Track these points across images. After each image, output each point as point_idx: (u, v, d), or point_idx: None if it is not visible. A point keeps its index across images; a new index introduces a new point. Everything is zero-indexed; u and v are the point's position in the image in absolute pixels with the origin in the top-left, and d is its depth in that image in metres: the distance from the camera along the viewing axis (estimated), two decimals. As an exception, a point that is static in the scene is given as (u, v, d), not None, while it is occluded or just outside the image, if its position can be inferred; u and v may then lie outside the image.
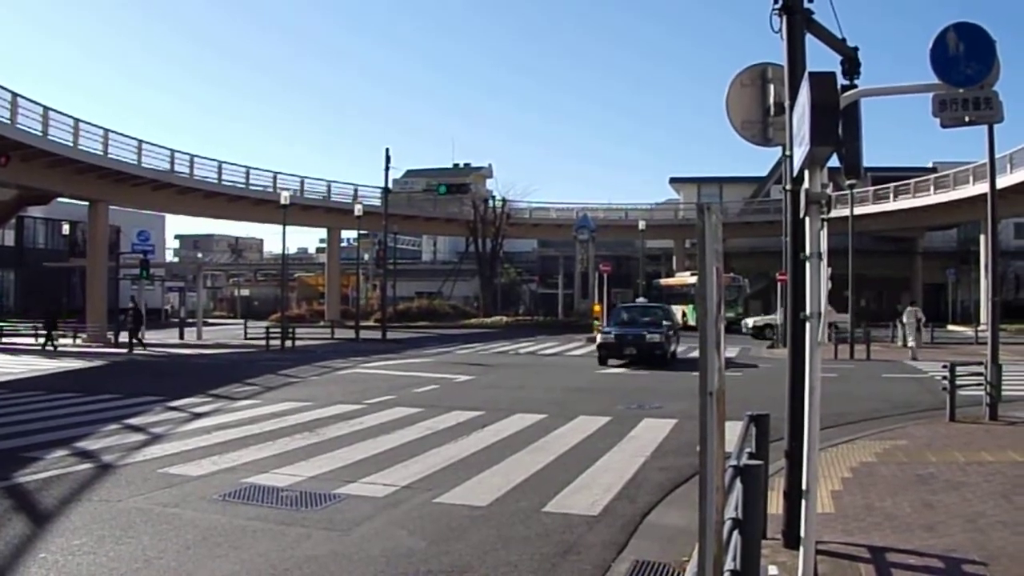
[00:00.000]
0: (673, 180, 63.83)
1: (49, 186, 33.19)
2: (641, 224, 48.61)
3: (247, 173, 43.48)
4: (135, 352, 28.53)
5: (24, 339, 34.14)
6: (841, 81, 5.29)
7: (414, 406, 13.46)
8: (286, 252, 41.27)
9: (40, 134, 29.65)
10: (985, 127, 12.20)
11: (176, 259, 77.81)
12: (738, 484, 3.78)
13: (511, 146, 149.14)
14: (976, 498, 7.06)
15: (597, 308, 31.13)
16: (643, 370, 20.25)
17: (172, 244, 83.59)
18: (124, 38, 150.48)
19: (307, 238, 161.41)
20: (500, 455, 9.33)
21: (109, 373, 21.38)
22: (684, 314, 39.05)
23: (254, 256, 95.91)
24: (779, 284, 29.15)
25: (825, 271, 4.35)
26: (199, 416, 12.59)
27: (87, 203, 35.92)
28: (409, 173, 62.55)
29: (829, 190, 4.34)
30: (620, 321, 24.35)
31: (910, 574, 5.24)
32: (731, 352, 24.20)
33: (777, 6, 5.80)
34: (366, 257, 53.51)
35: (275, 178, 44.68)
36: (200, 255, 73.13)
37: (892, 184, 45.76)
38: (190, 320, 40.03)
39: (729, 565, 3.40)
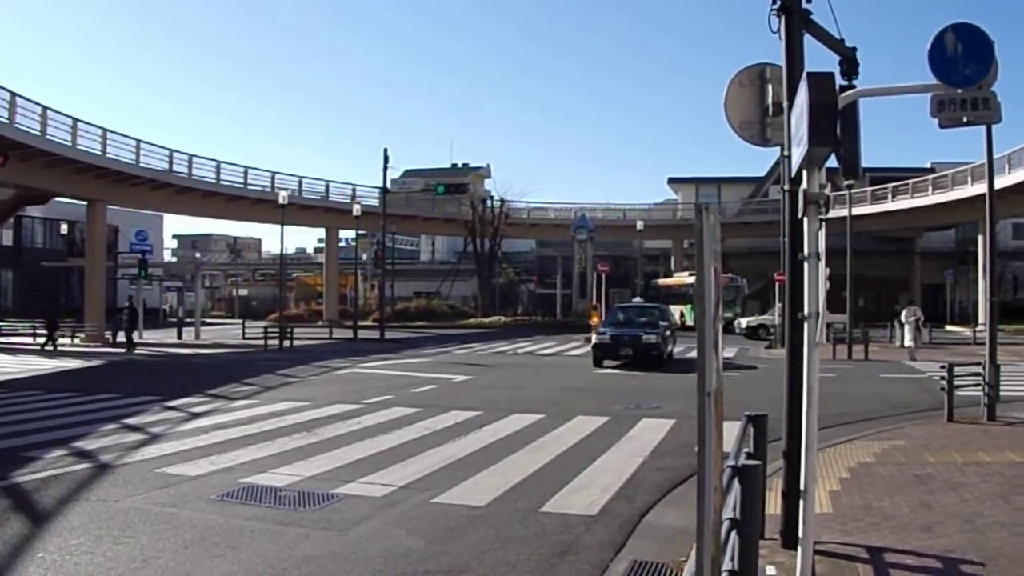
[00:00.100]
0: (671, 180, 63.85)
1: (47, 186, 33.14)
2: (639, 224, 48.62)
3: (245, 173, 43.46)
4: (135, 351, 28.48)
5: (22, 339, 34.12)
6: (839, 81, 5.30)
7: (412, 406, 13.46)
8: (284, 252, 41.29)
9: (38, 134, 29.60)
10: (983, 127, 12.22)
11: (174, 259, 77.72)
12: (736, 484, 3.78)
13: (509, 146, 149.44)
14: (974, 498, 7.07)
15: (595, 319, 29.59)
16: (641, 370, 20.23)
17: (170, 244, 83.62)
18: (124, 38, 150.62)
19: (305, 238, 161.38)
20: (498, 455, 9.33)
21: (107, 373, 21.36)
22: (682, 314, 39.05)
23: (252, 256, 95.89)
24: (777, 284, 29.14)
25: (823, 271, 4.35)
26: (197, 416, 12.58)
27: (85, 203, 35.87)
28: (407, 173, 62.57)
29: (827, 190, 4.33)
30: (616, 321, 24.01)
31: (908, 574, 5.25)
32: (729, 352, 24.21)
33: (775, 6, 5.80)
34: (364, 257, 53.43)
35: (273, 178, 44.65)
36: (198, 255, 73.10)
37: (890, 184, 45.78)
38: (188, 320, 40.02)
39: (727, 565, 3.40)
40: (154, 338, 34.88)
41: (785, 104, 5.64)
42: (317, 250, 79.25)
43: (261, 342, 31.16)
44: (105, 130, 33.79)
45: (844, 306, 26.20)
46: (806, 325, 4.27)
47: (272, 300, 55.37)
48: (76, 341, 32.84)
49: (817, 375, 4.29)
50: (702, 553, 2.75)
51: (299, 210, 43.87)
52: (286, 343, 30.99)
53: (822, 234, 4.26)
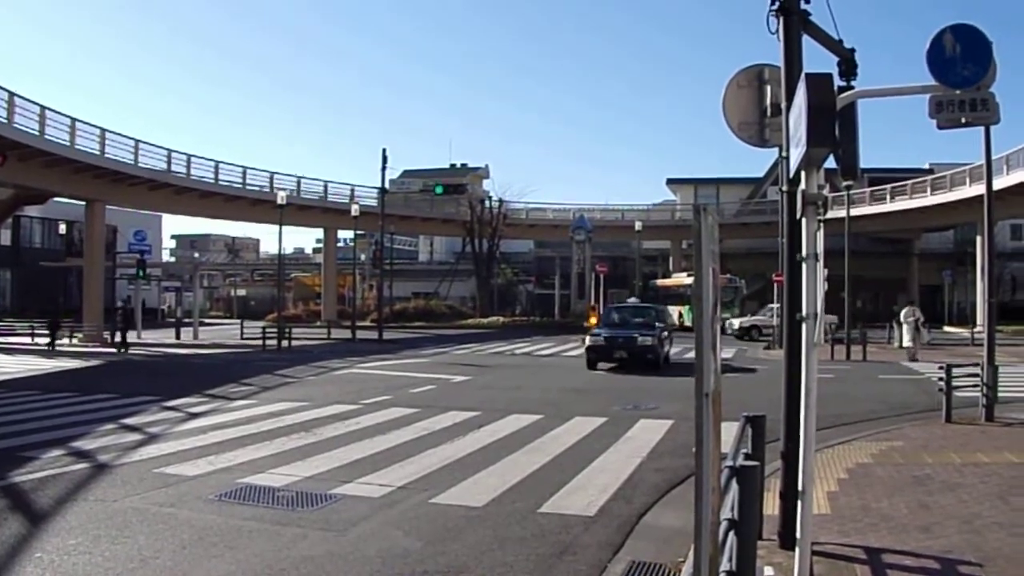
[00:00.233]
0: (670, 181, 63.93)
1: (46, 185, 33.11)
2: (638, 225, 48.67)
3: (244, 173, 43.46)
4: (129, 352, 28.43)
5: (21, 339, 34.08)
6: (838, 82, 5.30)
7: (410, 406, 13.45)
8: (283, 252, 41.26)
9: (37, 133, 29.58)
10: (982, 128, 12.23)
11: (173, 259, 77.67)
12: (734, 485, 3.78)
13: (508, 147, 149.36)
14: (972, 499, 7.07)
15: (593, 320, 29.10)
16: (638, 372, 20.18)
17: (169, 244, 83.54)
18: (124, 38, 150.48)
19: (304, 238, 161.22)
20: (496, 456, 9.33)
21: (105, 373, 21.34)
22: (681, 315, 39.08)
23: (251, 256, 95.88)
24: (775, 285, 29.15)
25: (822, 272, 4.35)
26: (195, 416, 12.57)
27: (84, 203, 35.83)
28: (406, 173, 62.58)
29: (826, 191, 4.34)
30: (611, 322, 23.24)
31: (906, 575, 5.25)
32: (727, 353, 24.22)
33: (774, 7, 5.80)
34: (363, 257, 53.40)
35: (272, 178, 44.65)
36: (197, 255, 73.15)
37: (889, 185, 45.85)
38: (186, 320, 40.00)
39: (725, 566, 3.40)
40: (152, 338, 34.86)
41: (783, 105, 5.64)
42: (315, 250, 79.14)
43: (259, 342, 31.14)
44: (104, 130, 33.82)
45: (842, 307, 26.25)
46: (804, 326, 4.27)
47: (270, 300, 55.36)
48: (74, 341, 32.80)
49: (815, 376, 4.29)
50: (700, 554, 2.75)
51: (297, 210, 43.87)
52: (284, 343, 30.96)
53: (820, 235, 4.27)
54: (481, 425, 11.54)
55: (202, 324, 39.58)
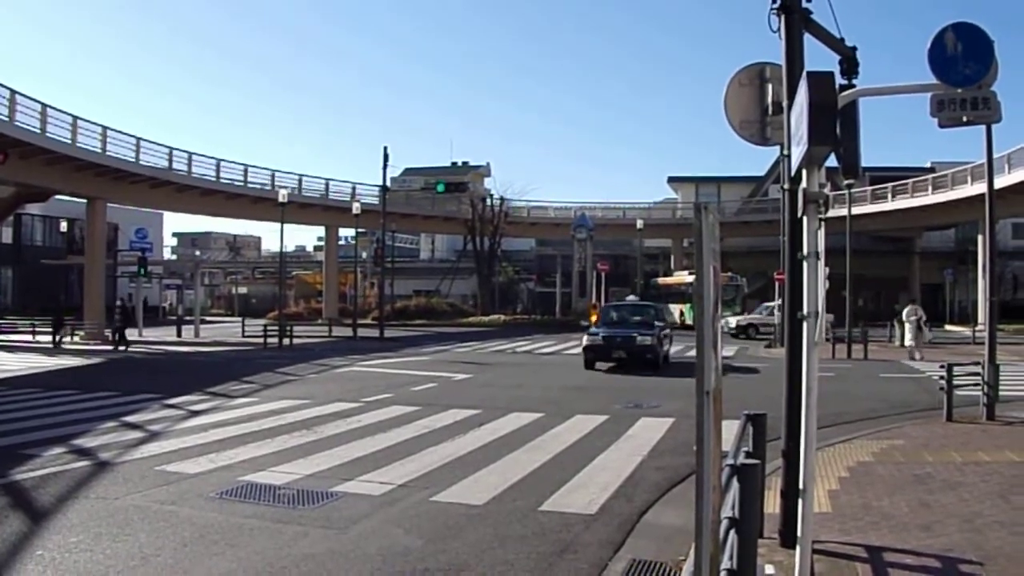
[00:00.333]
0: (671, 179, 63.91)
1: (47, 183, 33.12)
2: (639, 223, 48.65)
3: (245, 171, 43.44)
4: (128, 350, 28.43)
5: (22, 336, 34.10)
6: (839, 81, 5.30)
7: (411, 404, 13.46)
8: (284, 250, 41.27)
9: (38, 131, 29.57)
10: (983, 127, 12.22)
11: (174, 257, 77.53)
12: (735, 483, 3.79)
13: (509, 145, 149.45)
14: (973, 498, 7.07)
15: (595, 318, 28.84)
16: (637, 371, 20.11)
17: (170, 242, 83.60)
18: (124, 38, 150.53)
19: (305, 236, 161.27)
20: (497, 454, 9.33)
21: (106, 370, 21.35)
22: (682, 313, 39.09)
23: (252, 254, 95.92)
24: (777, 283, 29.13)
25: (823, 271, 4.35)
26: (196, 414, 12.58)
27: (85, 200, 35.86)
28: (407, 171, 62.53)
29: (827, 190, 4.33)
30: (609, 321, 22.50)
31: (907, 574, 5.25)
32: (728, 352, 24.20)
33: (775, 5, 5.79)
34: (364, 255, 53.39)
35: (273, 176, 44.63)
36: (198, 253, 73.09)
37: (890, 184, 45.79)
38: (188, 318, 39.97)
39: (726, 564, 3.41)
40: (153, 336, 34.90)
41: (785, 103, 5.63)
42: (317, 248, 79.24)
43: (260, 340, 31.15)
44: (105, 128, 33.82)
45: (844, 305, 26.21)
46: (805, 324, 4.27)
47: (272, 298, 55.42)
48: (76, 339, 32.82)
49: (816, 374, 4.29)
50: (701, 552, 2.75)
51: (299, 208, 43.86)
52: (285, 341, 30.97)
53: (821, 233, 4.26)
54: (482, 423, 11.54)
55: (203, 322, 39.59)
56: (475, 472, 8.37)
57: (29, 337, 33.35)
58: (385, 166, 36.50)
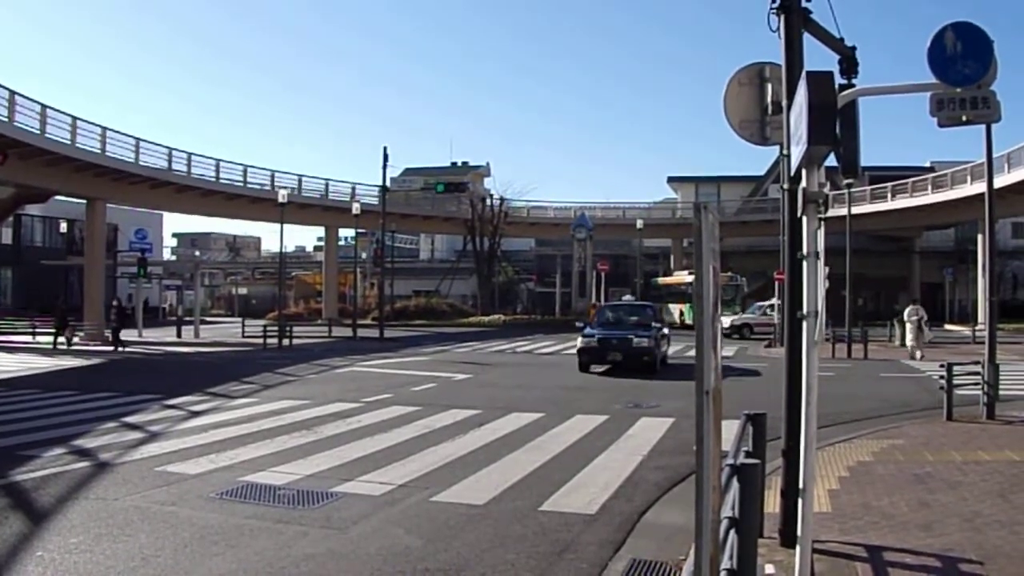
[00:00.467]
0: (671, 179, 63.95)
1: (47, 184, 33.11)
2: (639, 223, 48.67)
3: (245, 171, 43.41)
4: (124, 351, 28.40)
5: (22, 337, 34.08)
6: (839, 80, 5.30)
7: (411, 404, 13.46)
8: (284, 250, 41.27)
9: (38, 132, 29.55)
10: (983, 127, 12.22)
11: (174, 257, 77.64)
12: (735, 483, 3.78)
13: (509, 145, 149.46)
14: (973, 497, 7.07)
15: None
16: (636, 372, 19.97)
17: (170, 242, 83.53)
18: (124, 38, 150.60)
19: (305, 236, 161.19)
20: (497, 454, 9.33)
21: (106, 371, 21.35)
22: (682, 312, 39.09)
23: (252, 254, 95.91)
24: (776, 283, 29.12)
25: (823, 270, 4.35)
26: (196, 414, 12.58)
27: (85, 201, 35.82)
28: (407, 172, 62.53)
29: (827, 189, 4.33)
30: (604, 322, 21.80)
31: (907, 573, 5.25)
32: (728, 351, 24.20)
33: (775, 5, 5.79)
34: (364, 255, 53.41)
35: (273, 176, 44.60)
36: (198, 253, 73.17)
37: (890, 183, 45.80)
38: (187, 318, 40.01)
39: (726, 564, 3.41)
40: (153, 336, 34.89)
41: (784, 103, 5.63)
42: (316, 248, 79.19)
43: (260, 341, 31.13)
44: (104, 128, 33.78)
45: (843, 305, 26.20)
46: (805, 324, 4.27)
47: (271, 298, 55.40)
48: (75, 340, 32.78)
49: (816, 374, 4.29)
50: (701, 552, 2.75)
51: (298, 208, 43.84)
52: (285, 342, 30.95)
53: (821, 233, 4.26)
54: (482, 423, 11.54)
55: (203, 322, 39.57)
56: (475, 472, 8.37)
57: (29, 338, 33.33)
58: (385, 166, 36.51)
